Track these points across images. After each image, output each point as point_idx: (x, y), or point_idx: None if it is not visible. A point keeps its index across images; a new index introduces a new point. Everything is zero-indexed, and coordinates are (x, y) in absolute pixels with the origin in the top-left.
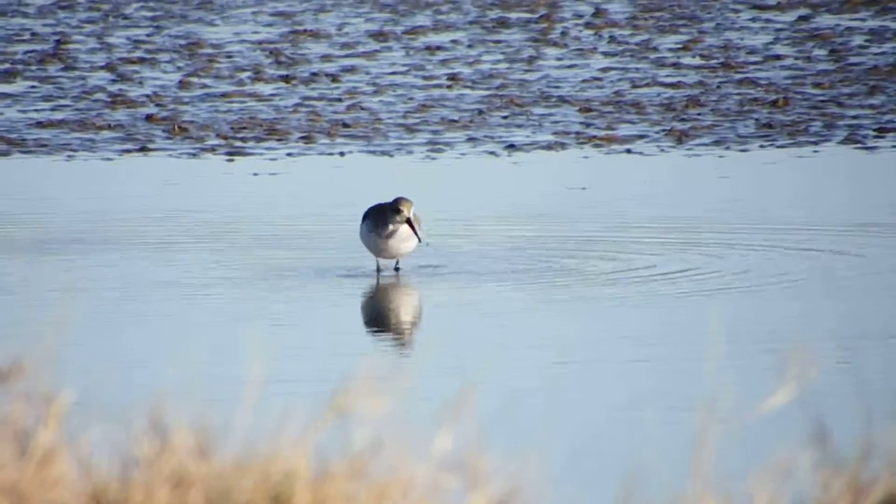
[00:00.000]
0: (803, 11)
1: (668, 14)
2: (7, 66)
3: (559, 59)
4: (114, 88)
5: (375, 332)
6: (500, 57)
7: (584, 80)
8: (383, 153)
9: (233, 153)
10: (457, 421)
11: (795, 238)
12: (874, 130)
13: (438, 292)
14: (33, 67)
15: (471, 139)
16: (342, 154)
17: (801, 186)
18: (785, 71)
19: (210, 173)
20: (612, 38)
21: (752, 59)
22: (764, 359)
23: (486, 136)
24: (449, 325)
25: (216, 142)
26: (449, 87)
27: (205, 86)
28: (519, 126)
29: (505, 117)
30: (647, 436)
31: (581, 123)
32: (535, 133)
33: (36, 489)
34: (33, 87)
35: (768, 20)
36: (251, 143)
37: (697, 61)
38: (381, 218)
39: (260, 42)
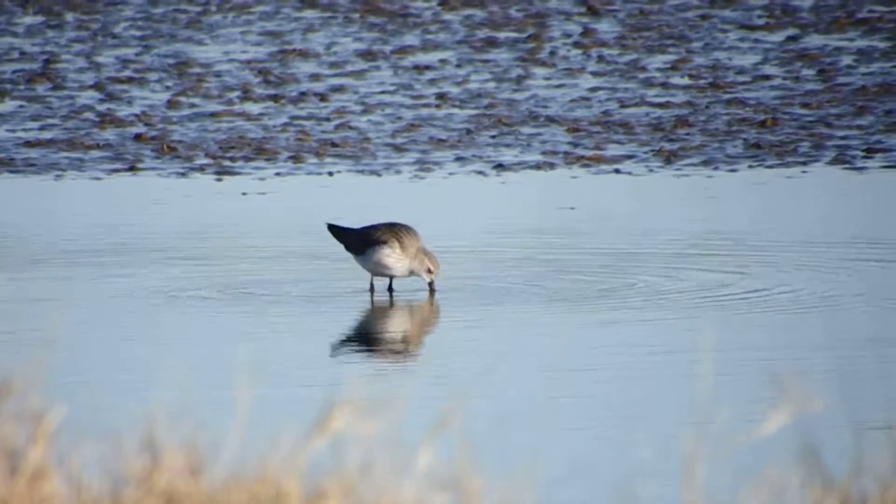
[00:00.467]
0: (792, 32)
1: (657, 34)
2: None
3: (548, 78)
4: (102, 108)
5: (367, 351)
6: (489, 76)
7: (572, 100)
8: (372, 172)
9: (222, 172)
10: (447, 439)
11: (786, 256)
12: (863, 151)
13: (429, 311)
14: (21, 87)
15: (459, 159)
16: (331, 174)
17: (788, 206)
18: (773, 91)
19: (199, 193)
20: (600, 58)
21: (741, 79)
22: (756, 376)
23: (474, 156)
24: (440, 343)
25: (205, 161)
26: (437, 106)
27: (194, 105)
28: (507, 146)
29: (493, 137)
30: (638, 454)
31: (569, 143)
32: (524, 153)
33: None
34: (22, 106)
35: (757, 40)
36: (240, 163)
37: (686, 81)
38: (405, 241)
39: (249, 61)
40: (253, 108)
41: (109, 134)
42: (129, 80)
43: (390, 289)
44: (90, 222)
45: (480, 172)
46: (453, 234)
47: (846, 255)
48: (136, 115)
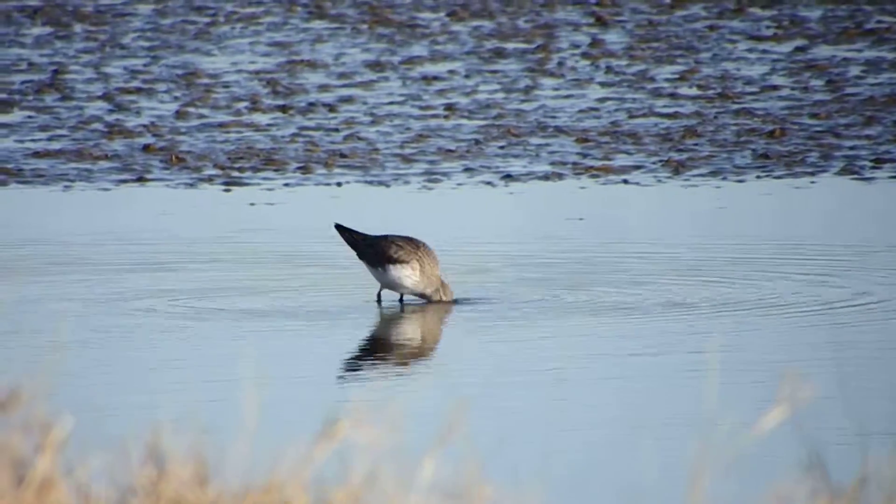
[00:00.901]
0: (800, 42)
1: (665, 44)
2: (4, 96)
3: (556, 89)
4: (111, 118)
5: (374, 361)
6: (497, 87)
7: (580, 111)
8: (380, 183)
9: (230, 183)
10: (453, 448)
11: (795, 266)
12: (871, 161)
13: (438, 320)
14: (30, 97)
15: (467, 169)
16: (339, 184)
17: (797, 215)
18: (782, 101)
19: (207, 203)
20: (608, 69)
21: (749, 89)
22: (761, 383)
23: (482, 167)
24: (446, 353)
25: (213, 172)
26: (446, 117)
27: (202, 116)
28: (516, 156)
29: (502, 147)
30: (645, 459)
31: (578, 154)
32: (532, 163)
33: None
34: (30, 116)
35: (765, 51)
36: (248, 173)
37: (694, 92)
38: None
39: (257, 72)
40: (261, 118)
41: (118, 144)
42: (138, 90)
43: (401, 300)
44: (98, 232)
45: (489, 183)
46: (461, 244)
47: (855, 264)
48: (144, 126)
